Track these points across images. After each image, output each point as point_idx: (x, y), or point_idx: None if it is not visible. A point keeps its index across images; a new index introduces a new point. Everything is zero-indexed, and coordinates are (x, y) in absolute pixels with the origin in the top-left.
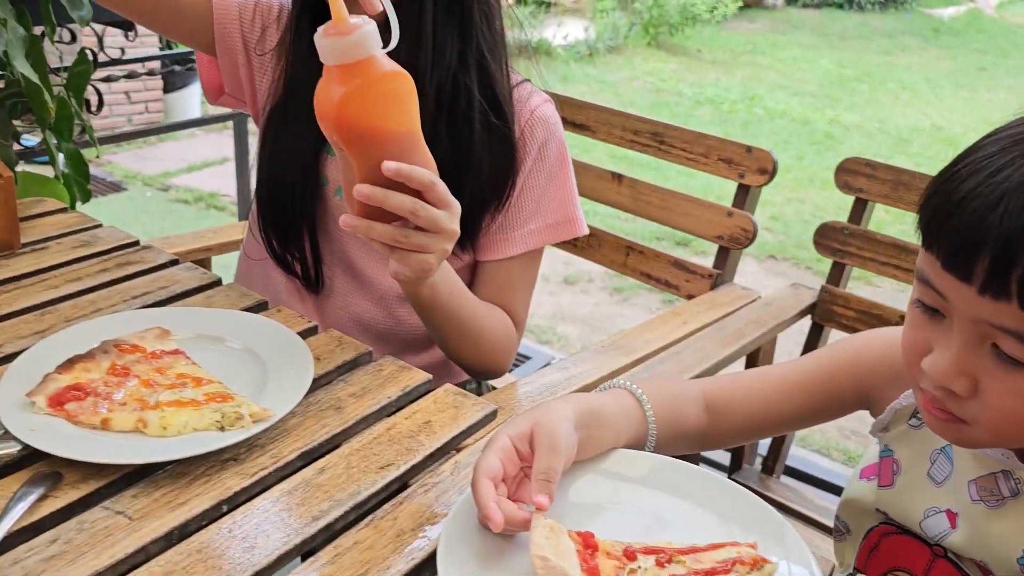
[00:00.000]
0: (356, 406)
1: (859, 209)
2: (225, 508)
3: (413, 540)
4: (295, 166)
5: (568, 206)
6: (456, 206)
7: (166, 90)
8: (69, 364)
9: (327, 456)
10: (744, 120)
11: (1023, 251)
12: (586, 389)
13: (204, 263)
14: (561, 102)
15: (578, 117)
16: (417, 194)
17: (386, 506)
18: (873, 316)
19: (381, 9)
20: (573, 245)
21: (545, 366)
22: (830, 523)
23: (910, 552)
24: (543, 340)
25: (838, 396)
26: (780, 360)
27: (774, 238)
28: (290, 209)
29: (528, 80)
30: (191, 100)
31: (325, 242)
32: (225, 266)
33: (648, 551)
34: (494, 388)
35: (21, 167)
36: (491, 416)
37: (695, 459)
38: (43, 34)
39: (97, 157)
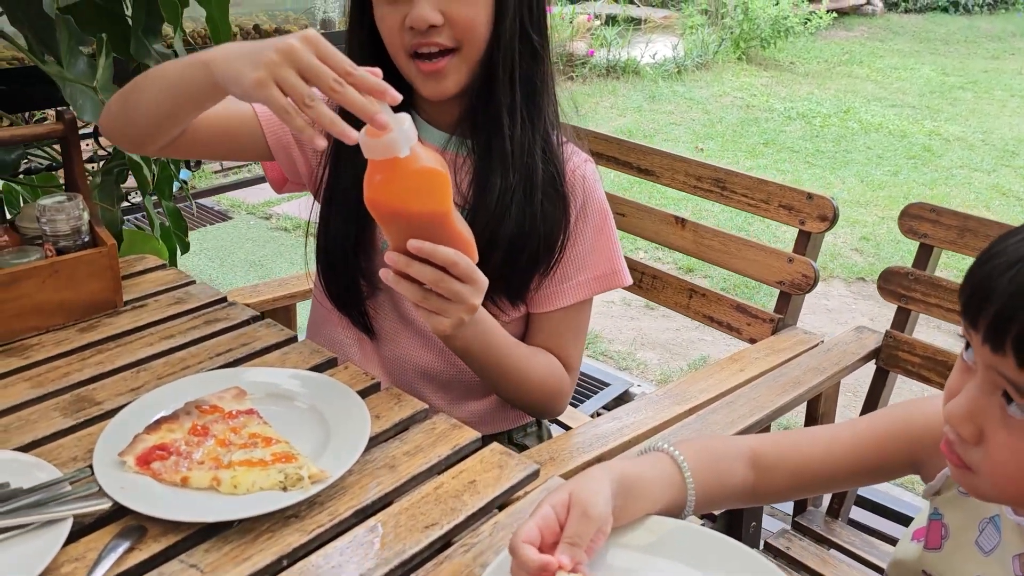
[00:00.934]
0: (408, 465)
1: (924, 254)
2: (285, 563)
3: None
4: (350, 230)
5: (612, 259)
6: (482, 282)
7: None
8: (156, 425)
9: (379, 514)
10: (837, 135)
11: (1020, 310)
12: (639, 440)
13: (289, 309)
14: (626, 148)
15: (643, 162)
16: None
17: (428, 565)
18: (938, 362)
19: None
20: (638, 287)
21: (621, 395)
22: None
23: None
24: (622, 366)
25: (888, 459)
26: (841, 406)
27: (864, 260)
28: (347, 268)
29: (568, 141)
30: None
31: (386, 297)
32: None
33: None
34: (562, 425)
35: (128, 223)
36: (533, 476)
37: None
38: None
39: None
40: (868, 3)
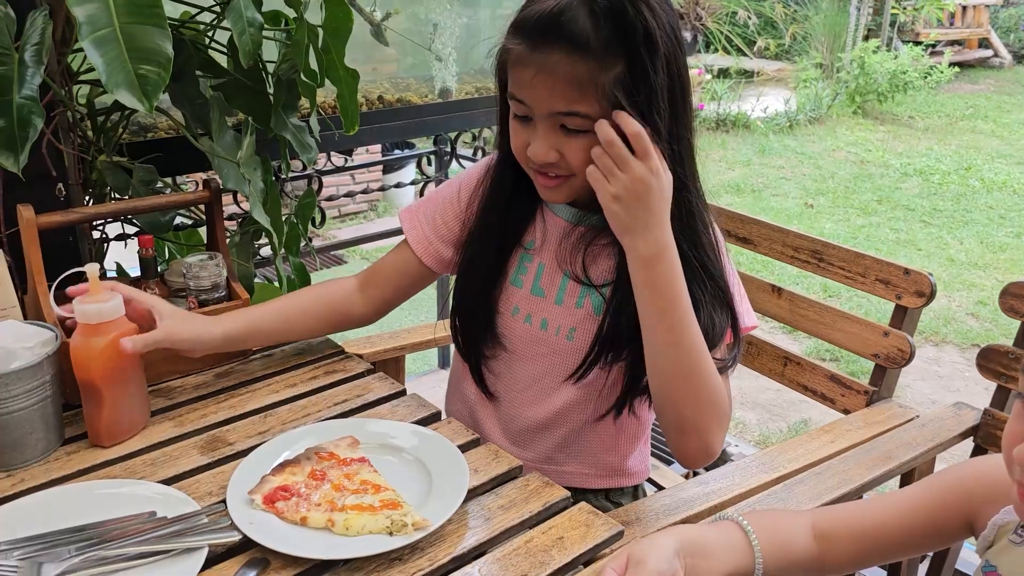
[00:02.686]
0: (502, 518)
1: None
2: None
3: None
4: (483, 296)
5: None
6: (654, 164)
7: (384, 171)
8: (281, 467)
9: (474, 562)
10: (957, 193)
11: None
12: (724, 505)
13: (399, 360)
14: (725, 216)
15: (741, 231)
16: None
17: None
18: None
19: None
20: None
21: (721, 457)
22: None
23: None
24: None
25: (944, 521)
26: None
27: (980, 326)
28: (479, 329)
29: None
30: (406, 178)
31: (511, 360)
32: (416, 357)
33: None
34: (658, 487)
35: (258, 276)
36: (618, 536)
37: None
38: (279, 167)
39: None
40: (995, 55)
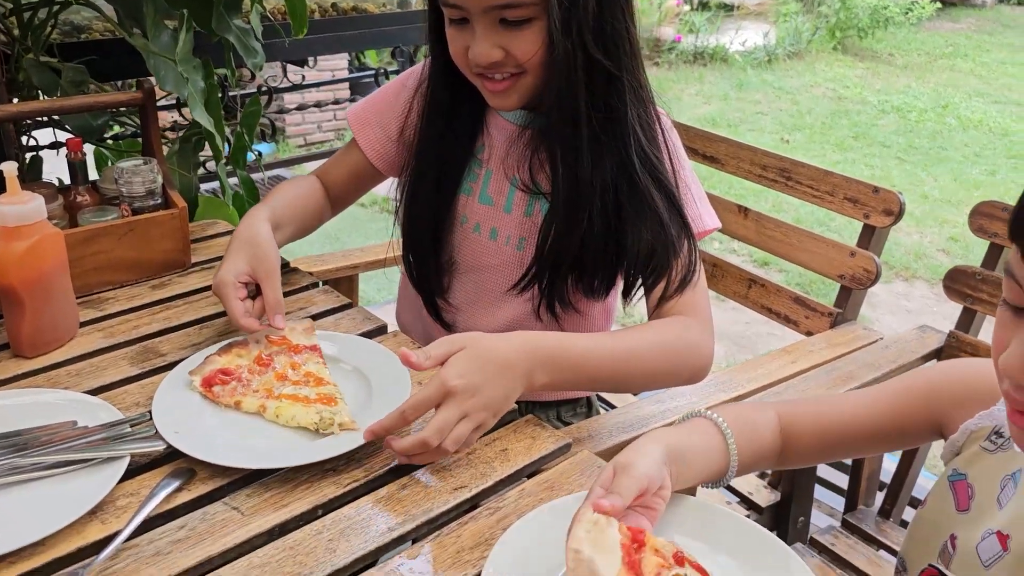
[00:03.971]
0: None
1: (994, 254)
2: (320, 512)
3: (470, 556)
4: (431, 208)
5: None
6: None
7: (352, 93)
8: (227, 348)
9: (412, 474)
10: (933, 131)
11: None
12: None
13: (352, 279)
14: (692, 134)
15: (708, 149)
16: None
17: (452, 524)
18: None
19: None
20: None
21: None
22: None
23: None
24: None
25: (910, 422)
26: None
27: (951, 261)
28: (427, 243)
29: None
30: None
31: (461, 272)
32: (368, 278)
33: (696, 567)
34: (611, 406)
35: (205, 191)
36: (564, 449)
37: (809, 495)
38: (226, 77)
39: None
40: None
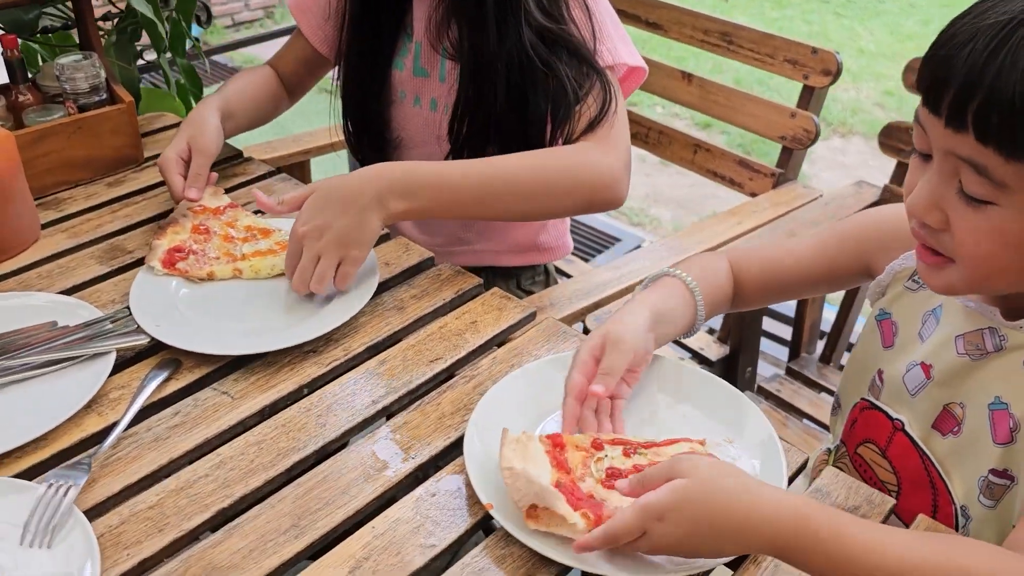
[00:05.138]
0: (415, 307)
1: None
2: (305, 391)
3: (451, 421)
4: (368, 85)
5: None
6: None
7: None
8: (162, 231)
9: (389, 350)
10: None
11: (980, 85)
12: (634, 287)
13: (304, 165)
14: (633, 0)
15: (650, 16)
16: None
17: (432, 393)
18: None
19: None
20: (644, 141)
21: (633, 250)
22: None
23: (876, 426)
24: (635, 222)
25: (843, 264)
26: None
27: (886, 116)
28: (369, 121)
29: None
30: None
31: (408, 149)
32: (318, 162)
33: (615, 442)
34: (565, 275)
35: (145, 82)
36: (530, 318)
37: (756, 347)
38: None
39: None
40: None
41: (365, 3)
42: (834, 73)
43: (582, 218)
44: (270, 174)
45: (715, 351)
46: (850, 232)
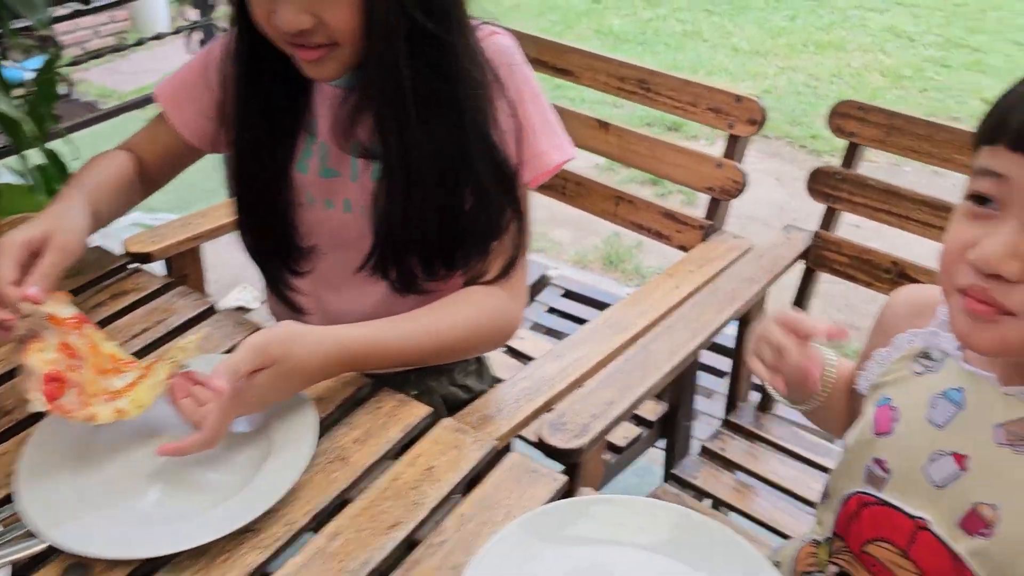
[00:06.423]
0: (360, 455)
1: (851, 154)
2: None
3: None
4: (268, 188)
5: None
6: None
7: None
8: (24, 347)
9: (338, 518)
10: None
11: None
12: (586, 377)
13: (194, 252)
14: (542, 46)
15: (560, 62)
16: None
17: (397, 571)
18: (864, 261)
19: None
20: (561, 193)
21: (538, 280)
22: (825, 461)
23: (891, 524)
24: (536, 248)
25: None
26: (770, 307)
27: (769, 117)
28: (270, 228)
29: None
30: (156, 3)
31: (319, 255)
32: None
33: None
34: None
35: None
36: (490, 453)
37: (691, 400)
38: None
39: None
40: None
41: (252, 102)
42: (759, 122)
43: None
44: (167, 287)
45: (652, 410)
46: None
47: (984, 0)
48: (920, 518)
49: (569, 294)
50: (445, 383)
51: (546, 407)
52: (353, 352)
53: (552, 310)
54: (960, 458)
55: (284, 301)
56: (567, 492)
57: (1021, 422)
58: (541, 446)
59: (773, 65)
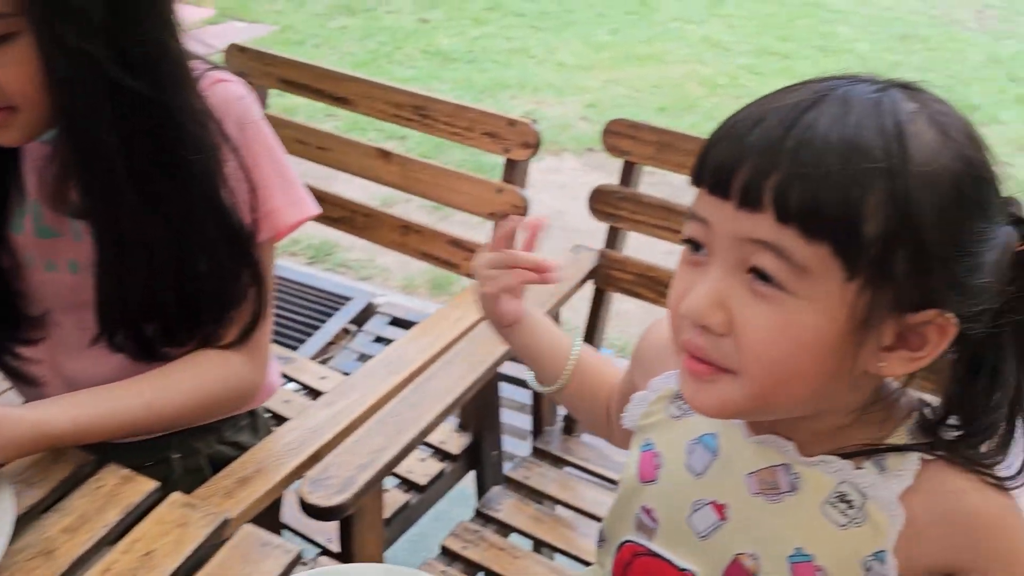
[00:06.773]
0: (68, 547)
1: (628, 172)
2: None
3: None
4: None
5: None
6: None
7: None
8: None
9: None
10: None
11: (778, 160)
12: (358, 422)
13: None
14: (317, 74)
15: (338, 90)
16: None
17: None
18: (649, 279)
19: None
20: (351, 226)
21: (365, 309)
22: None
23: (660, 575)
24: (363, 276)
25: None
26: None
27: (593, 128)
28: None
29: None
30: None
31: (49, 322)
32: None
33: None
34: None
35: None
36: (223, 525)
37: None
38: None
39: None
40: None
41: None
42: (534, 146)
43: (304, 279)
44: None
45: (457, 442)
46: (638, 360)
47: (793, 9)
48: (687, 570)
49: (396, 321)
50: (212, 442)
51: (314, 459)
52: (53, 436)
53: (379, 339)
54: (719, 507)
55: (12, 374)
56: (344, 550)
57: (771, 470)
58: (303, 505)
59: (597, 79)
